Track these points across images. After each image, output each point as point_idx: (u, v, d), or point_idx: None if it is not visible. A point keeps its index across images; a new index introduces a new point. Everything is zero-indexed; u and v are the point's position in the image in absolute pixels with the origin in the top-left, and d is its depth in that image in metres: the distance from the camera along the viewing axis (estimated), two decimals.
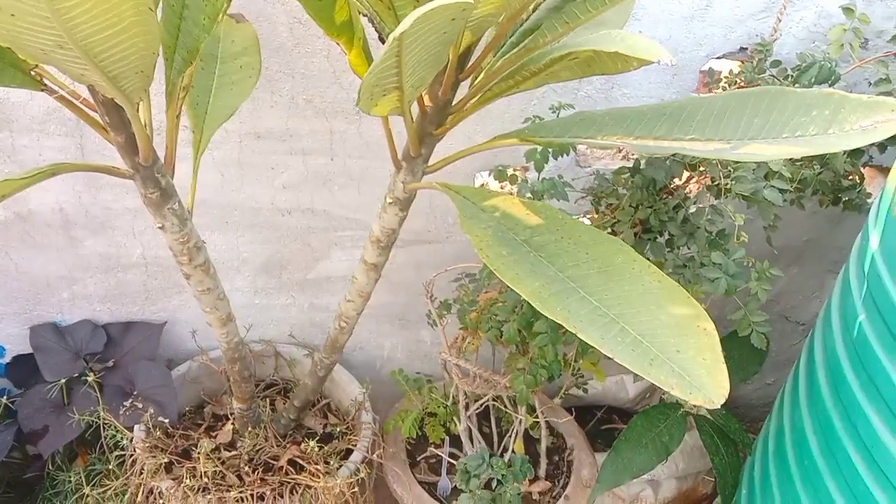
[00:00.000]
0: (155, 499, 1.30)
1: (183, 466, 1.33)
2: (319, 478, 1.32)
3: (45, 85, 0.83)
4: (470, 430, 1.51)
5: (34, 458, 1.52)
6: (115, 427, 1.38)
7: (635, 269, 0.76)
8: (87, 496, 1.31)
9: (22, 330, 1.54)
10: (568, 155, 1.40)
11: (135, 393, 1.45)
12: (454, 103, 0.99)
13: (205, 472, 1.29)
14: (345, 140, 1.41)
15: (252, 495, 1.29)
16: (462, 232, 1.62)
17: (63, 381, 1.44)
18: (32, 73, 0.81)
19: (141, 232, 1.45)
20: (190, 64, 0.80)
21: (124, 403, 1.42)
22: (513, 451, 1.47)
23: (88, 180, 1.35)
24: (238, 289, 1.58)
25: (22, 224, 1.39)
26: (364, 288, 1.25)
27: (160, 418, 1.40)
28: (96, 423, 1.40)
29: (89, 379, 1.40)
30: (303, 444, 1.43)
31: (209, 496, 1.26)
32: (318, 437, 1.47)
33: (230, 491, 1.29)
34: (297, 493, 1.32)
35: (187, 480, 1.26)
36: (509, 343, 1.20)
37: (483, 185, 1.65)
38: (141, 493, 1.29)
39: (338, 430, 1.49)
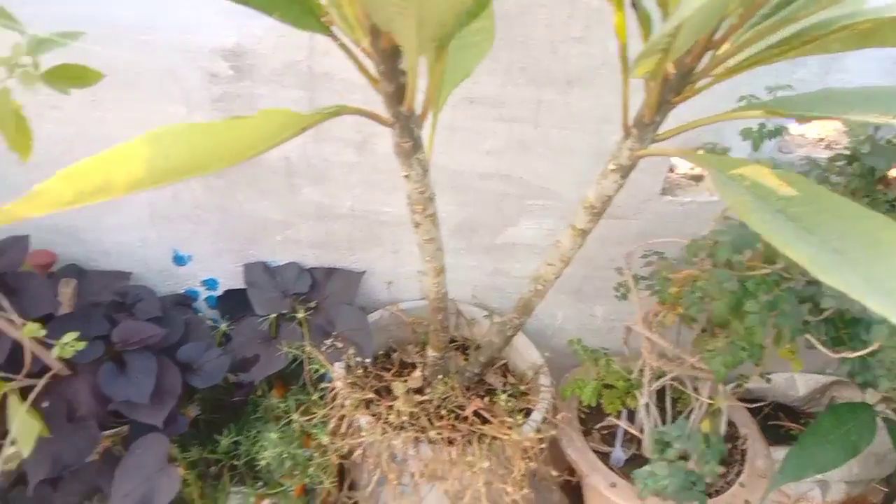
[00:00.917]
0: (353, 431, 1.40)
1: (381, 404, 1.43)
2: (508, 431, 1.38)
3: (331, 31, 0.91)
4: (648, 406, 1.53)
5: (235, 386, 1.67)
6: (318, 362, 1.49)
7: None
8: (295, 422, 1.43)
9: (235, 267, 1.69)
10: (781, 137, 1.37)
11: (334, 333, 1.56)
12: (695, 72, 1.00)
13: (401, 412, 1.38)
14: (551, 110, 1.45)
15: (443, 438, 1.37)
16: (651, 210, 1.63)
17: (273, 316, 1.57)
18: (323, 19, 0.89)
19: (353, 185, 1.54)
20: (471, 20, 0.85)
21: (325, 342, 1.54)
22: (697, 431, 1.47)
23: (315, 132, 1.46)
24: None
25: (252, 168, 1.52)
26: (567, 253, 1.28)
27: (357, 358, 1.51)
28: (300, 357, 1.52)
29: (299, 316, 1.52)
30: (486, 398, 1.50)
31: (405, 434, 1.35)
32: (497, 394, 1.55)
33: (424, 432, 1.37)
34: (483, 442, 1.38)
35: (392, 417, 1.36)
36: (718, 322, 1.20)
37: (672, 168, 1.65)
38: (344, 424, 1.39)
39: (518, 389, 1.55)
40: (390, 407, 1.42)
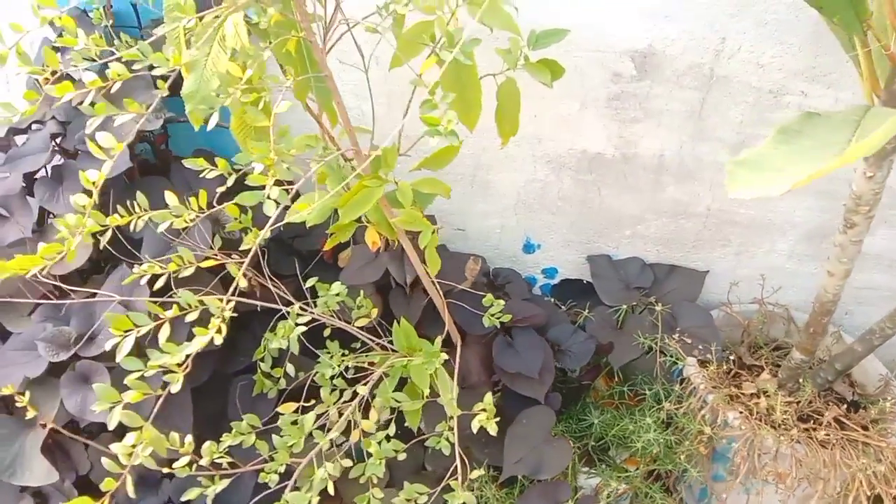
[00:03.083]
0: (720, 426, 1.44)
1: (748, 402, 1.46)
2: (881, 439, 1.38)
3: (866, 34, 0.95)
4: None
5: (563, 371, 1.74)
6: (672, 354, 1.54)
7: None
8: (663, 410, 1.49)
9: (577, 258, 1.77)
10: None
11: (678, 329, 1.61)
12: None
13: (773, 409, 1.40)
14: None
15: (815, 440, 1.38)
16: None
17: (624, 307, 1.64)
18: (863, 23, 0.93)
19: (717, 185, 1.58)
20: None
21: (673, 336, 1.58)
22: None
23: (695, 131, 1.51)
24: (775, 251, 1.67)
25: (623, 165, 1.59)
26: None
27: (707, 356, 1.55)
28: (653, 348, 1.57)
29: (657, 309, 1.59)
30: (843, 405, 1.50)
31: (784, 432, 1.37)
32: (846, 403, 1.54)
33: (800, 431, 1.39)
34: (854, 448, 1.38)
35: (775, 415, 1.38)
36: None
37: None
38: (719, 417, 1.43)
39: (868, 399, 1.53)
40: (757, 404, 1.45)
